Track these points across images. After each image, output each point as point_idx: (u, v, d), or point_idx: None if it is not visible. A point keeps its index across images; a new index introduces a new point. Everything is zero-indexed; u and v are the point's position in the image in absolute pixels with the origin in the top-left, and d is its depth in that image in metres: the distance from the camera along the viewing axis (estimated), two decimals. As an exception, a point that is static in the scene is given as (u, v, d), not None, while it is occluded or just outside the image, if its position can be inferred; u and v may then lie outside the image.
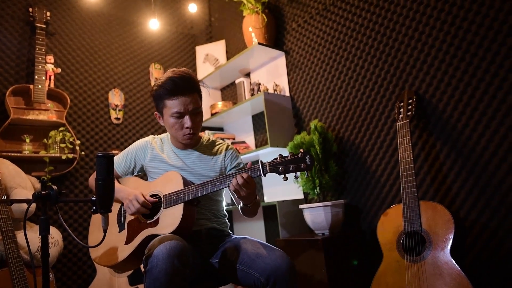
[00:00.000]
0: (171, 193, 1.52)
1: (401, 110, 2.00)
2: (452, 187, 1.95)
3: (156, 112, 1.66)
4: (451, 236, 1.64)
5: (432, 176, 2.03)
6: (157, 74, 3.50)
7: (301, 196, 2.73)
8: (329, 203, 2.20)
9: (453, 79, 1.97)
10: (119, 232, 1.61)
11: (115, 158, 1.76)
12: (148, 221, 1.54)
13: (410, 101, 2.00)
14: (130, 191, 1.60)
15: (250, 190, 1.43)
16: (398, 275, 1.74)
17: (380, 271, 1.84)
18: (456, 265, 1.59)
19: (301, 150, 1.39)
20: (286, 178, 1.40)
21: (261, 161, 1.41)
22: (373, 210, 2.30)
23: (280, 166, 1.39)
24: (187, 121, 1.57)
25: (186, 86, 1.54)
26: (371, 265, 2.26)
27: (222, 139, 3.17)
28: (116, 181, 1.72)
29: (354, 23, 2.47)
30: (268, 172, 1.40)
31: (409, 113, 1.96)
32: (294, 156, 1.39)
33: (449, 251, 1.63)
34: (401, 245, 1.78)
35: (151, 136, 1.78)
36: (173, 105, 1.55)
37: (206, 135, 1.81)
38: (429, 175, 2.05)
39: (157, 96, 1.59)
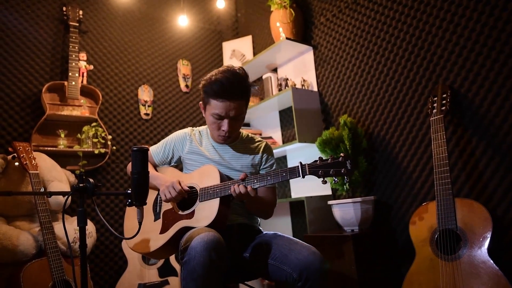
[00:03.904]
0: (208, 187, 1.54)
1: (435, 104, 1.94)
2: (489, 184, 1.89)
3: (200, 102, 1.67)
4: (489, 235, 1.59)
5: (467, 173, 1.97)
6: (184, 70, 3.54)
7: (329, 192, 2.71)
8: (359, 199, 2.17)
9: (491, 72, 1.90)
10: (155, 221, 1.63)
11: (153, 146, 1.80)
12: (184, 213, 1.56)
13: (444, 95, 1.94)
14: (168, 178, 1.63)
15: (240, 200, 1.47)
16: (431, 274, 1.70)
17: (412, 269, 1.80)
18: (494, 264, 1.54)
19: (342, 154, 1.35)
20: (325, 182, 1.37)
21: (301, 163, 1.39)
22: (404, 207, 2.25)
23: (320, 170, 1.36)
24: (224, 124, 1.58)
25: (233, 92, 1.53)
26: (402, 262, 2.22)
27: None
28: (153, 169, 1.76)
29: (385, 16, 2.41)
30: (307, 175, 1.38)
31: (443, 107, 1.90)
32: (334, 160, 1.36)
33: (486, 250, 1.57)
34: (435, 243, 1.73)
35: (189, 128, 1.80)
36: (215, 106, 1.55)
37: (245, 131, 1.82)
38: (464, 172, 1.98)
39: (204, 91, 1.59)
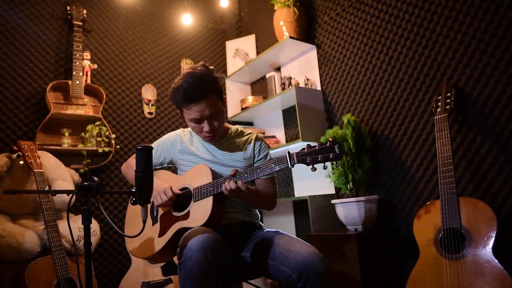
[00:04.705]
0: (201, 186, 1.54)
1: (439, 103, 1.94)
2: (494, 183, 1.88)
3: (178, 111, 1.67)
4: (494, 234, 1.58)
5: (472, 172, 1.96)
6: (188, 69, 3.54)
7: (332, 191, 2.70)
8: (362, 198, 2.17)
9: (496, 71, 1.89)
10: (153, 225, 1.64)
11: None
12: (179, 214, 1.56)
13: (449, 94, 1.93)
14: (160, 183, 1.62)
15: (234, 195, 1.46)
16: (435, 273, 1.70)
17: (416, 268, 1.80)
18: (499, 264, 1.53)
19: (330, 139, 1.32)
20: (314, 169, 1.34)
21: (289, 152, 1.37)
22: (408, 206, 2.24)
23: (308, 157, 1.33)
24: (205, 126, 1.57)
25: (199, 93, 1.50)
26: (406, 261, 2.21)
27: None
28: None
29: (389, 14, 2.40)
30: (296, 163, 1.35)
31: (448, 106, 1.89)
32: (322, 145, 1.33)
33: (491, 249, 1.57)
34: (439, 242, 1.73)
35: (180, 129, 1.80)
36: (188, 112, 1.55)
37: (234, 126, 1.81)
38: (468, 171, 1.97)
39: (173, 102, 1.59)
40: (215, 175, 1.56)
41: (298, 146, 2.73)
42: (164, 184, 1.61)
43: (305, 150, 1.35)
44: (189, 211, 1.54)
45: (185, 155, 1.71)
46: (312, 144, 1.37)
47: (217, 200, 1.50)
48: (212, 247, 1.28)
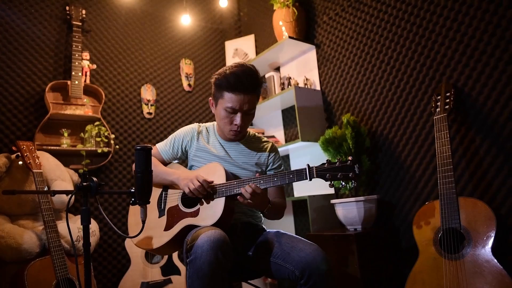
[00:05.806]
0: (214, 185, 1.53)
1: (438, 103, 1.94)
2: (493, 183, 1.88)
3: (210, 98, 1.67)
4: (493, 234, 1.58)
5: (471, 171, 1.96)
6: (187, 69, 3.54)
7: (332, 191, 2.70)
8: (361, 198, 2.17)
9: (495, 70, 1.89)
10: (159, 217, 1.63)
11: (160, 144, 1.79)
12: (188, 211, 1.55)
13: (448, 94, 1.93)
14: (187, 172, 1.60)
15: (256, 202, 1.44)
16: (435, 272, 1.70)
17: (416, 268, 1.80)
18: (498, 264, 1.53)
19: (350, 158, 1.35)
20: (332, 185, 1.37)
21: (309, 166, 1.38)
22: (407, 206, 2.24)
23: (327, 173, 1.36)
24: (237, 118, 1.57)
25: (249, 85, 1.53)
26: (405, 261, 2.21)
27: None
28: (162, 165, 1.74)
29: (388, 14, 2.40)
30: (314, 178, 1.37)
31: (447, 106, 1.89)
32: (342, 163, 1.35)
33: (490, 249, 1.57)
34: (439, 242, 1.73)
35: (196, 124, 1.79)
36: (229, 99, 1.54)
37: (252, 130, 1.83)
38: (468, 171, 1.97)
39: (217, 85, 1.59)
40: (228, 176, 1.55)
41: (297, 146, 2.73)
42: (190, 173, 1.58)
43: (325, 166, 1.38)
44: (198, 209, 1.53)
45: (200, 152, 1.71)
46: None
47: (228, 203, 1.49)
48: (222, 247, 1.29)
